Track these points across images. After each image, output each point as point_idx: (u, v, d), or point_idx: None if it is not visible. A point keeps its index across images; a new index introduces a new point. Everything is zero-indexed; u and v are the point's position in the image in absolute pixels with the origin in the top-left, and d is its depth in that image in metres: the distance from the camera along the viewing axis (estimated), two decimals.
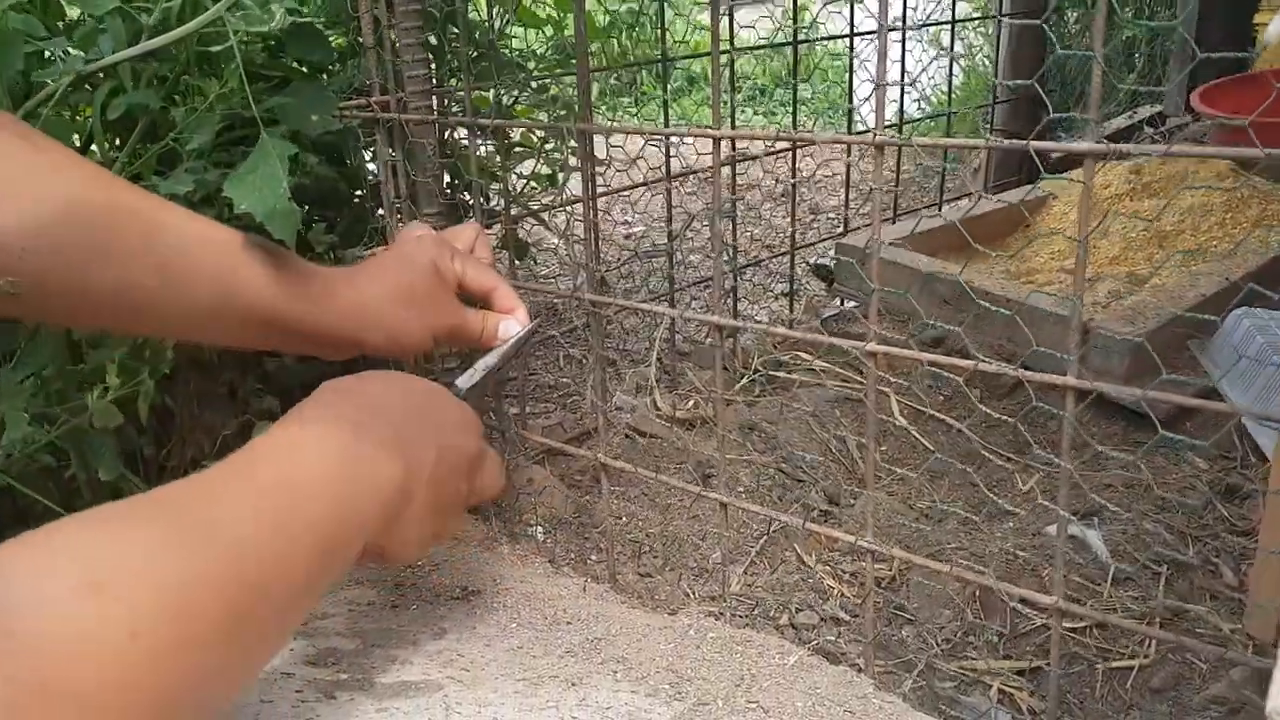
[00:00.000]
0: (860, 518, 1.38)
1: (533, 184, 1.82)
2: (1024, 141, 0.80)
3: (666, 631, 1.03)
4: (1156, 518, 1.40)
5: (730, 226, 1.80)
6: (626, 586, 1.27)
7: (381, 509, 0.75)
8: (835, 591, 1.27)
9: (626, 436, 1.58)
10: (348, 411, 0.76)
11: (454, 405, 0.88)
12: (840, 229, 2.82)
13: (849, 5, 1.89)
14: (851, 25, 1.85)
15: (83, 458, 1.09)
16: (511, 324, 1.03)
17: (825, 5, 0.99)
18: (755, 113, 4.81)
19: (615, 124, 1.07)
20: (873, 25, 0.87)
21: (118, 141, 1.43)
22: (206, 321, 0.87)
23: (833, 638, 1.19)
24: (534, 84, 1.58)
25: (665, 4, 1.67)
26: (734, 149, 1.79)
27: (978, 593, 1.25)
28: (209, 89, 1.22)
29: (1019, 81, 2.20)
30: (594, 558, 1.36)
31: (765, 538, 1.36)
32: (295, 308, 0.89)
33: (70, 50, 1.18)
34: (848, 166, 1.94)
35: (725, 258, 1.81)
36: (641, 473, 1.11)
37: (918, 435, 1.58)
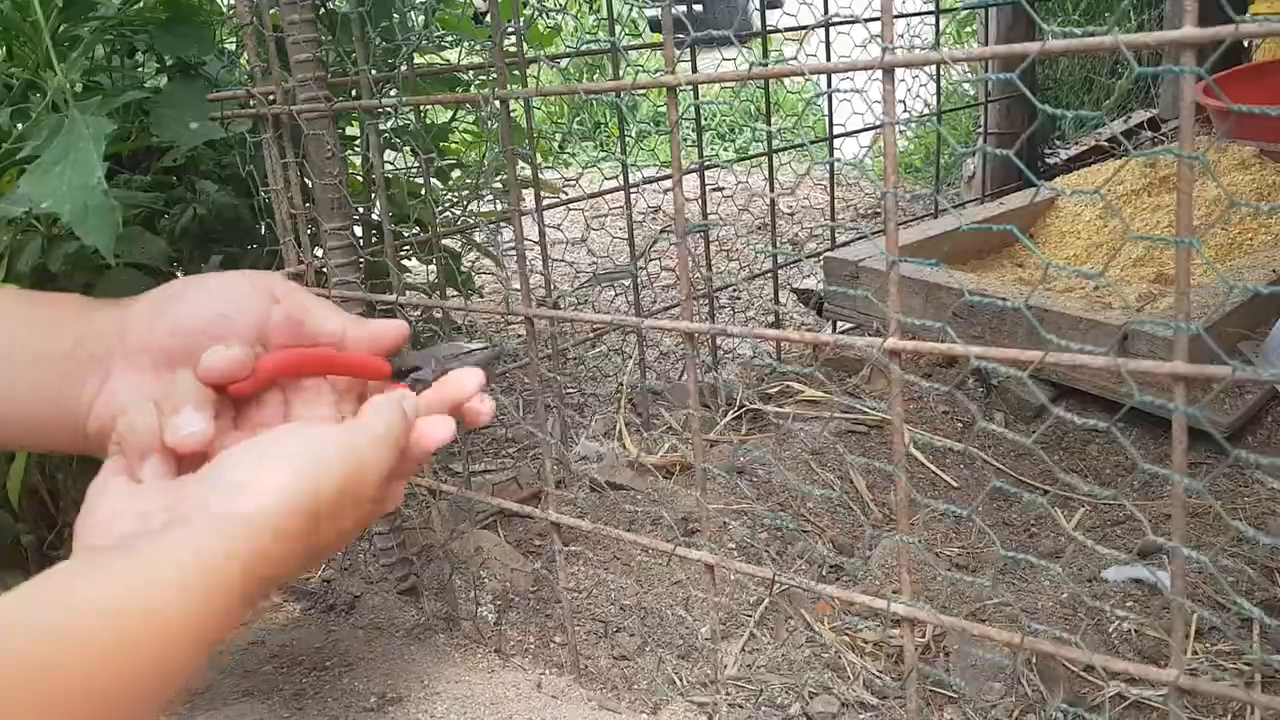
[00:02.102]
0: (881, 572, 1.13)
1: (473, 212, 1.59)
2: (1095, 38, 0.57)
3: None
4: (1234, 551, 1.16)
5: (704, 244, 1.57)
6: (597, 675, 1.02)
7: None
8: (856, 667, 1.02)
9: (592, 489, 1.33)
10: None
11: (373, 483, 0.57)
12: (821, 244, 2.61)
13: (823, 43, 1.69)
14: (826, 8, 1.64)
15: None
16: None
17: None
18: (724, 149, 4.62)
19: (539, 89, 0.84)
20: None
21: None
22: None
23: None
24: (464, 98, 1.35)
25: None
26: (700, 159, 1.57)
27: (1033, 658, 1.00)
28: (48, 84, 0.99)
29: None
30: (558, 639, 1.11)
31: (765, 604, 1.11)
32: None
33: None
34: (832, 179, 1.72)
35: (700, 271, 1.58)
36: (602, 530, 0.87)
37: (937, 470, 1.34)
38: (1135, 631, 1.04)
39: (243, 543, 0.51)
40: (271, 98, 1.01)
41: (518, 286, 0.90)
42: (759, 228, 2.88)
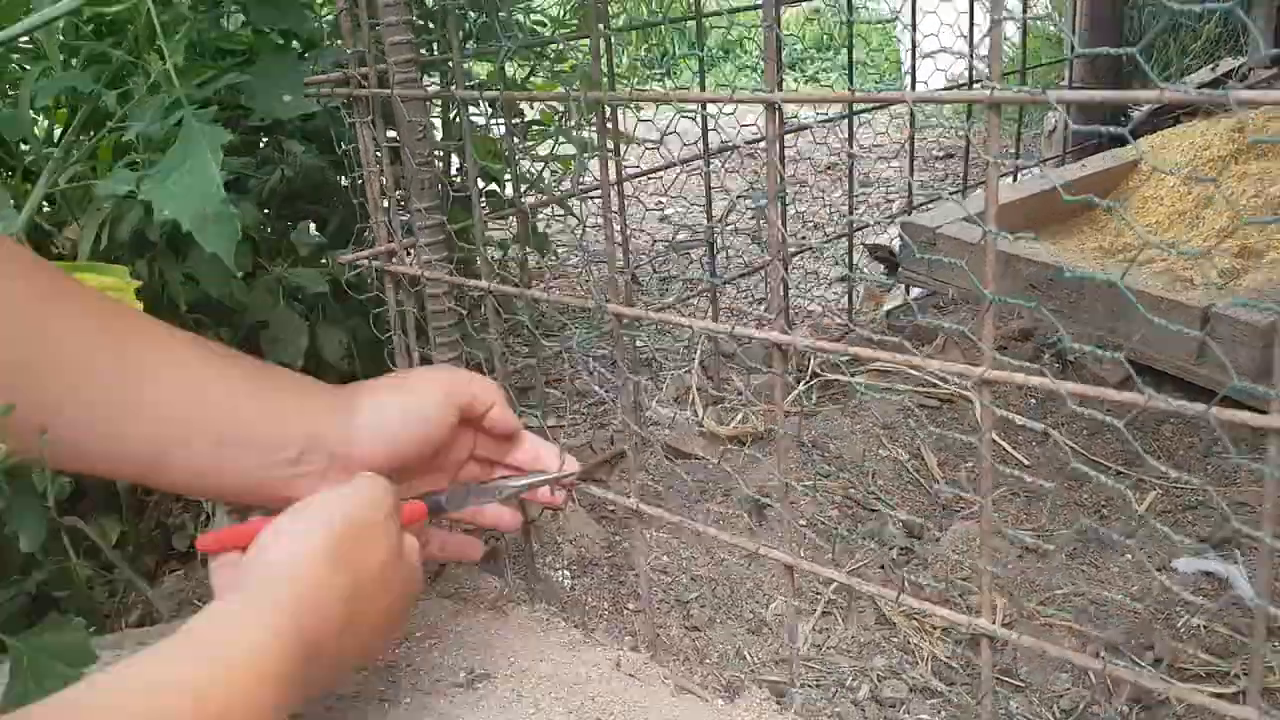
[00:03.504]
0: (953, 554, 1.15)
1: (552, 167, 1.60)
2: None
3: None
4: None
5: (780, 211, 1.57)
6: (670, 646, 1.06)
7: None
8: (925, 652, 1.04)
9: (666, 458, 1.36)
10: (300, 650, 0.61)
11: (417, 584, 0.79)
12: (895, 200, 2.58)
13: None
14: None
15: None
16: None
17: None
18: (795, 81, 4.55)
19: (639, 91, 0.85)
20: None
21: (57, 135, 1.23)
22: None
23: (926, 716, 0.97)
24: (547, 50, 1.35)
25: None
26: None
27: (1101, 652, 1.02)
28: (151, 65, 1.01)
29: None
30: (631, 606, 1.15)
31: (835, 584, 1.14)
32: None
33: None
34: (912, 137, 1.70)
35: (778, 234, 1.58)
36: (687, 524, 0.90)
37: (1009, 448, 1.35)
38: (1204, 627, 1.05)
39: (275, 602, 0.62)
40: (365, 79, 1.03)
41: (594, 248, 0.92)
42: (827, 168, 2.86)
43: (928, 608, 0.76)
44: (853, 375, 1.50)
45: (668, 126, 0.79)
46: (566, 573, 1.20)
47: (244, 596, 0.63)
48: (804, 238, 2.19)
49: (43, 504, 0.94)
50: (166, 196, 0.72)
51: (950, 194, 1.85)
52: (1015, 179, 2.03)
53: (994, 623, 0.72)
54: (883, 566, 1.16)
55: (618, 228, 1.20)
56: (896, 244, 1.82)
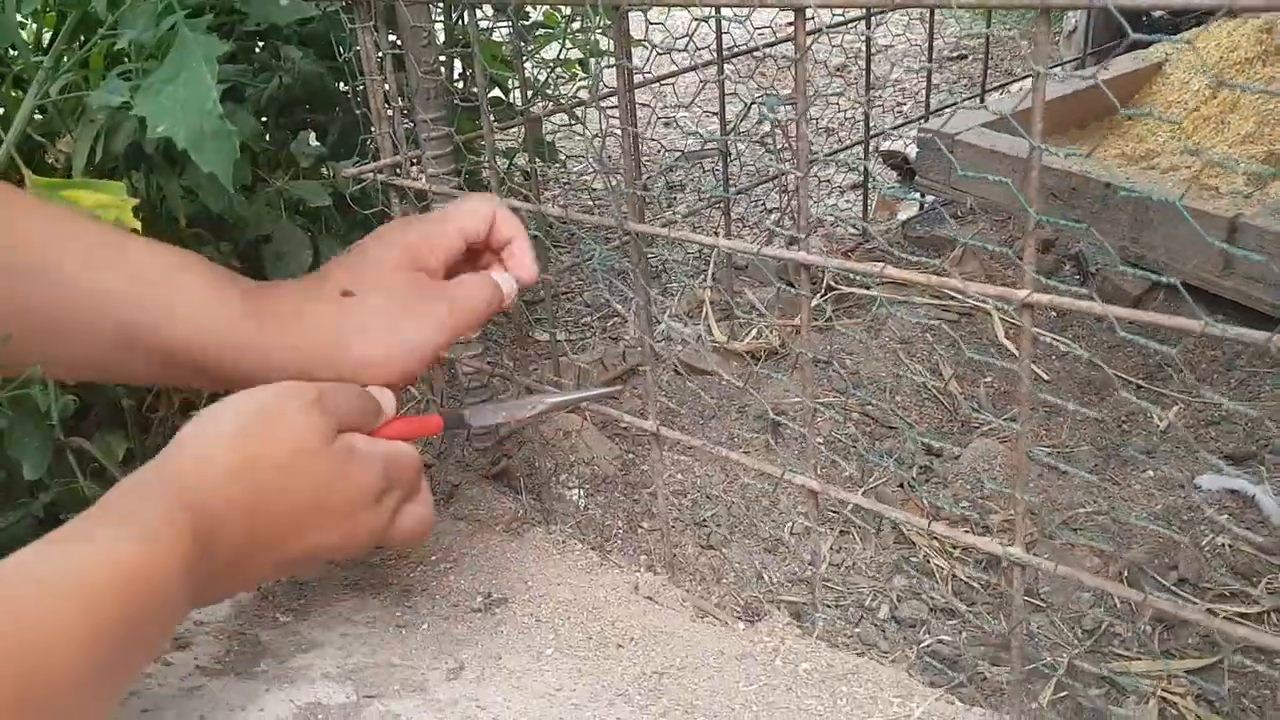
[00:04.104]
0: (972, 474, 1.13)
1: (559, 72, 1.54)
2: None
3: (746, 662, 0.80)
4: None
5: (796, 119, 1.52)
6: (686, 566, 1.05)
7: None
8: (945, 572, 1.03)
9: (676, 373, 1.33)
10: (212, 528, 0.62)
11: (360, 480, 0.71)
12: (906, 103, 2.52)
13: None
14: None
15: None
16: (506, 279, 0.83)
17: None
18: None
19: None
20: None
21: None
22: (111, 366, 0.73)
23: (948, 636, 0.96)
24: None
25: None
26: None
27: (1125, 572, 1.01)
28: None
29: None
30: (646, 525, 1.14)
31: (852, 506, 1.12)
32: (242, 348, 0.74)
33: None
34: (931, 42, 1.63)
35: (796, 142, 1.53)
36: (711, 448, 0.88)
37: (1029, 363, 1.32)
38: (1229, 546, 1.04)
39: (169, 476, 0.63)
40: None
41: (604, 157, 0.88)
42: (837, 69, 2.78)
43: (956, 535, 0.74)
44: (867, 288, 1.47)
45: (693, 30, 0.75)
46: (580, 492, 1.18)
47: (147, 473, 0.64)
48: (814, 144, 2.13)
49: (47, 425, 0.92)
50: (160, 112, 0.68)
51: (968, 99, 1.79)
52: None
53: (1026, 550, 0.70)
54: (902, 485, 1.14)
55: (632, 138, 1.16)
56: (912, 151, 1.77)
